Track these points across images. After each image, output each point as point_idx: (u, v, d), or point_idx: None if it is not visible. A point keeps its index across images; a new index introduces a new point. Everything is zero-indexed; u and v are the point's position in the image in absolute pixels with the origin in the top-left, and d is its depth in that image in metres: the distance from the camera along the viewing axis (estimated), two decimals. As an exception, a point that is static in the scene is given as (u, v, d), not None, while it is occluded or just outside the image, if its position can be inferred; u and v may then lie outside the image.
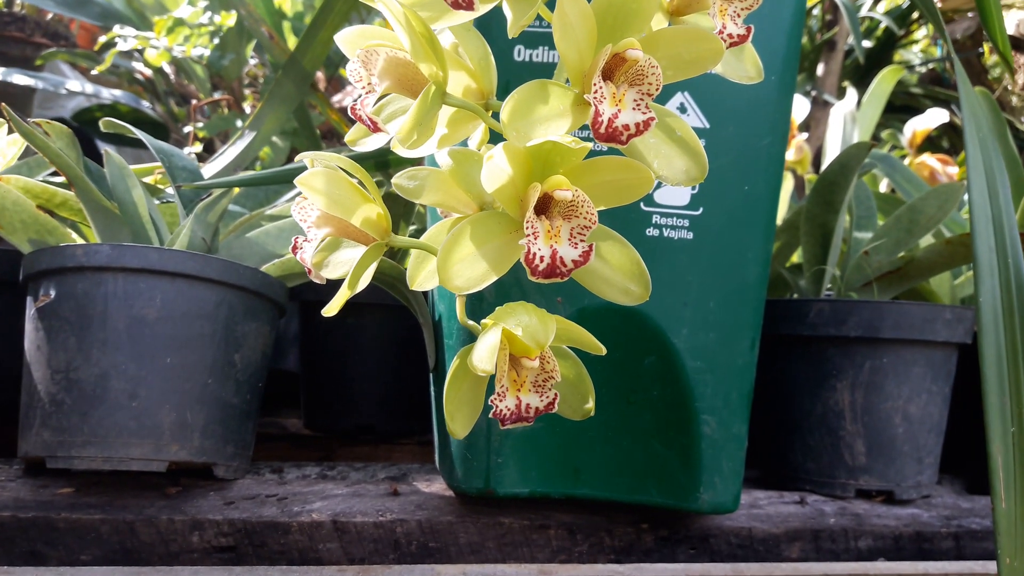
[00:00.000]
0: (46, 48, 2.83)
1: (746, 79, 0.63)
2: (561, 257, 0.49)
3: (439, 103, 0.56)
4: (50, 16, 2.86)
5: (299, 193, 1.17)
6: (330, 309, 0.52)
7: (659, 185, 0.82)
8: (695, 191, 0.82)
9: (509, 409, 0.48)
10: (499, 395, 0.48)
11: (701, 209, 0.82)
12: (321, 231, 0.54)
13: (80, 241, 0.96)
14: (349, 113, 0.57)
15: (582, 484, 0.84)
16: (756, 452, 1.05)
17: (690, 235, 0.82)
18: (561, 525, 0.88)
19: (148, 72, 2.29)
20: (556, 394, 0.49)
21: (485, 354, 0.46)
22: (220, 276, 0.87)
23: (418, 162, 1.16)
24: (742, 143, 0.82)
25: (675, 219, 0.82)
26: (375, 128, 0.56)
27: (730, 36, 0.58)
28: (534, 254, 0.48)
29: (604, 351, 0.49)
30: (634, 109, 0.51)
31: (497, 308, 0.50)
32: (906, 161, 1.95)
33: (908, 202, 1.07)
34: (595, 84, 0.50)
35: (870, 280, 1.04)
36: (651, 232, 0.82)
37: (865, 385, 0.97)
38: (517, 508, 0.89)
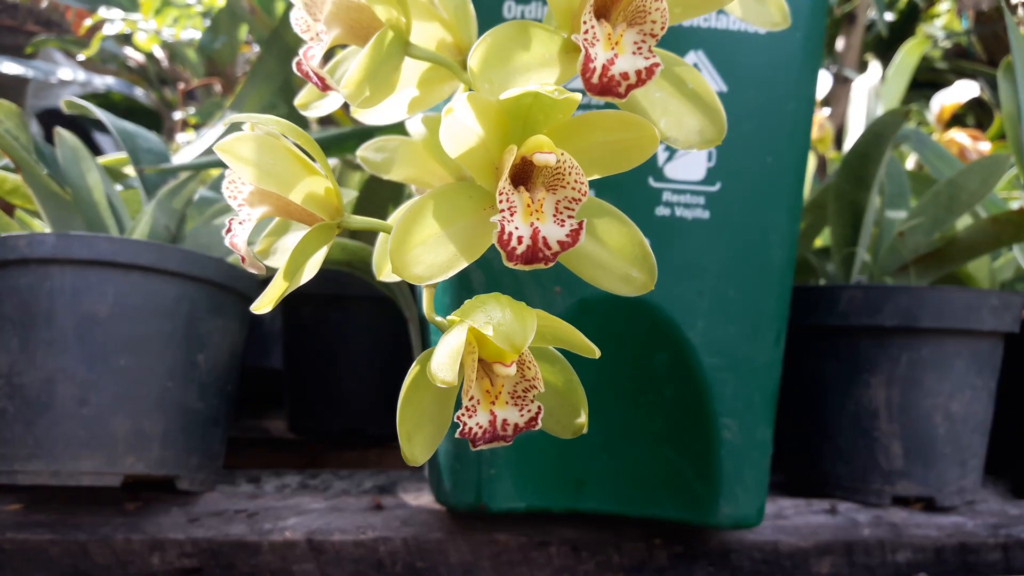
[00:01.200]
0: (45, 35, 2.75)
1: (770, 25, 0.53)
2: (544, 237, 0.39)
3: (399, 53, 0.46)
4: (44, 4, 2.78)
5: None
6: (260, 305, 0.43)
7: (670, 157, 0.73)
8: (712, 164, 0.73)
9: (481, 427, 0.38)
10: (468, 410, 0.39)
11: (718, 184, 0.72)
12: (256, 210, 0.45)
13: (40, 232, 0.87)
14: (295, 69, 0.47)
15: (586, 497, 0.74)
16: (781, 455, 0.95)
17: (706, 214, 0.72)
18: (563, 542, 0.79)
19: (141, 58, 2.21)
20: (540, 407, 0.39)
21: (446, 360, 0.36)
22: (180, 268, 0.78)
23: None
24: (764, 109, 0.72)
25: (689, 196, 0.72)
26: (323, 86, 0.47)
27: (751, -29, 0.48)
28: (510, 234, 0.38)
29: (597, 354, 0.40)
30: (634, 54, 0.41)
31: (465, 302, 0.41)
32: (933, 138, 1.84)
33: (945, 178, 0.96)
34: (586, 22, 0.41)
35: (906, 264, 0.94)
36: (661, 211, 0.72)
37: (902, 380, 0.87)
38: (514, 523, 0.79)
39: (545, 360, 0.42)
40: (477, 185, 0.42)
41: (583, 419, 0.42)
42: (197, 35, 1.98)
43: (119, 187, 0.98)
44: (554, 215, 0.39)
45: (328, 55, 0.52)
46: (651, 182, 0.72)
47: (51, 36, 2.56)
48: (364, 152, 0.59)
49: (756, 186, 0.73)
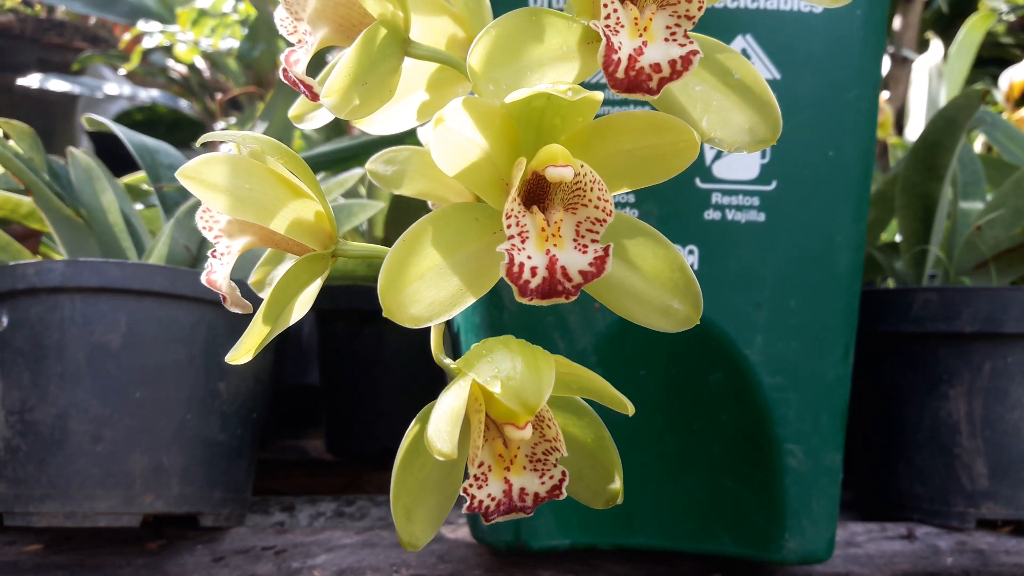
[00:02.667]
0: (91, 51, 2.77)
1: (828, 1, 0.45)
2: (563, 267, 0.33)
3: (397, 53, 0.40)
4: (92, 21, 2.80)
5: (324, 179, 1.03)
6: (237, 355, 0.38)
7: (719, 154, 0.66)
8: (765, 160, 0.65)
9: (494, 499, 0.32)
10: (477, 479, 0.32)
11: (774, 183, 0.65)
12: (237, 241, 0.39)
13: (59, 258, 0.83)
14: (280, 75, 0.41)
15: (636, 532, 0.68)
16: (850, 472, 0.87)
17: (761, 216, 0.65)
18: (614, 578, 0.72)
19: (184, 69, 2.20)
20: (564, 472, 0.33)
21: (444, 427, 0.30)
22: (196, 292, 0.73)
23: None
24: (823, 97, 0.65)
25: (741, 197, 0.65)
26: (312, 95, 0.41)
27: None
28: (521, 265, 0.32)
29: (631, 409, 0.33)
30: (667, 41, 0.35)
31: (472, 346, 0.34)
32: (1003, 117, 1.72)
33: (1027, 163, 0.87)
34: (607, 5, 0.34)
35: (985, 260, 0.85)
36: (711, 215, 0.65)
37: (985, 391, 0.79)
38: (559, 559, 0.73)
39: (569, 412, 0.36)
40: (485, 205, 0.35)
41: (617, 485, 0.35)
42: (236, 44, 1.95)
43: (139, 206, 0.94)
44: (574, 240, 0.33)
45: (322, 60, 0.46)
46: (698, 183, 0.65)
47: (96, 52, 2.56)
48: (372, 165, 0.53)
49: (817, 183, 0.65)
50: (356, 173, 0.88)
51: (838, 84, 0.65)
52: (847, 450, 0.82)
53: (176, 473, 0.73)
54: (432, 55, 0.44)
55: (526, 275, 0.32)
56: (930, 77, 1.90)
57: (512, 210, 0.32)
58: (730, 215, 0.65)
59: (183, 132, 2.22)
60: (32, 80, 2.32)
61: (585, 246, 0.33)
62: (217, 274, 0.40)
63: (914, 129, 1.82)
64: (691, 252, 0.65)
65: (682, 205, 0.65)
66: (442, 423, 0.30)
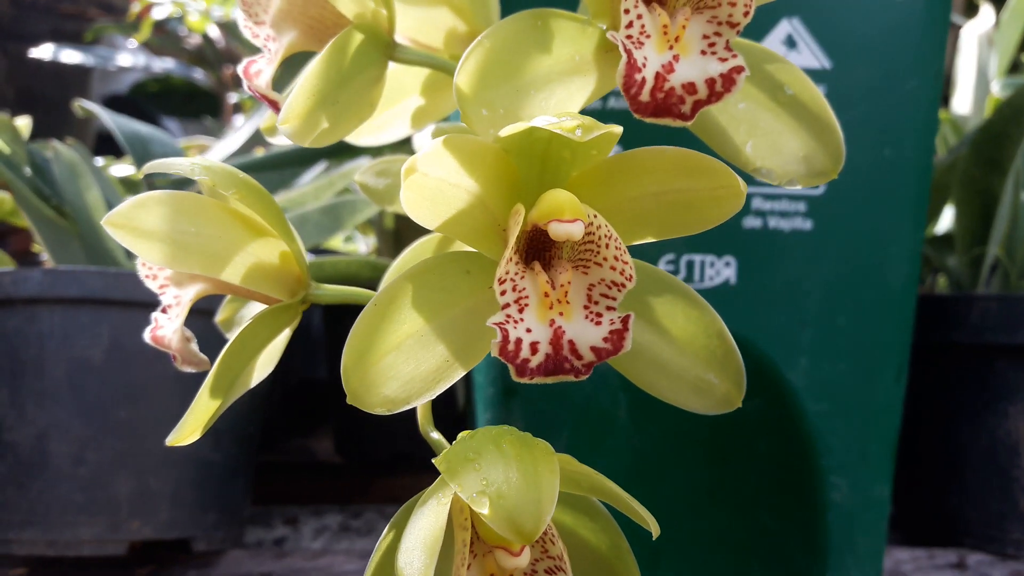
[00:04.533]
0: (104, 20, 2.71)
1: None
2: (571, 341, 0.26)
3: (376, 60, 0.34)
4: (107, -12, 2.74)
5: (327, 170, 0.96)
6: (179, 437, 0.32)
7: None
8: (810, 162, 0.58)
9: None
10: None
11: (823, 187, 0.58)
12: (186, 291, 0.33)
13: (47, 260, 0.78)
14: (246, 88, 0.35)
15: (664, 570, 0.61)
16: (895, 489, 0.80)
17: (808, 224, 0.58)
18: (637, 615, 0.66)
19: (198, 39, 2.14)
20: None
21: (418, 559, 0.24)
22: (184, 300, 0.67)
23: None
24: (879, 89, 0.58)
25: (786, 202, 0.58)
26: (276, 108, 0.34)
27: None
28: (518, 342, 0.26)
29: (655, 529, 0.27)
30: (705, 53, 0.28)
31: (454, 442, 0.28)
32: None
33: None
34: (628, 11, 0.27)
35: (1051, 260, 0.77)
36: (751, 223, 0.58)
37: (1050, 407, 0.71)
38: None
39: (579, 512, 0.30)
40: (478, 254, 0.29)
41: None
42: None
43: (132, 200, 0.88)
44: (586, 307, 0.26)
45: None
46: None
47: (108, 22, 2.50)
48: (363, 178, 0.46)
49: (870, 187, 0.58)
50: (362, 163, 0.82)
51: (896, 73, 0.58)
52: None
53: (165, 497, 0.67)
54: (422, 60, 0.37)
55: (524, 352, 0.26)
56: (979, 45, 1.78)
57: (507, 273, 0.26)
58: (772, 222, 0.58)
59: (198, 103, 2.16)
60: (44, 51, 2.26)
61: (599, 315, 0.26)
62: (165, 330, 0.34)
63: (961, 101, 1.72)
64: (728, 264, 0.58)
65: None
66: (415, 554, 0.24)
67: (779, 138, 0.31)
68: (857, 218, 0.58)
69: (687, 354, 0.29)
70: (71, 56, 2.34)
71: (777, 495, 0.60)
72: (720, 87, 0.27)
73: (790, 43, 0.58)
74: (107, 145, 2.75)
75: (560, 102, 0.30)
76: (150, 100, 2.32)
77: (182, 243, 0.30)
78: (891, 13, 0.57)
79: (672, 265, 0.58)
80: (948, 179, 0.86)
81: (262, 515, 0.87)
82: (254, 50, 0.39)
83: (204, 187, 0.32)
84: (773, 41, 0.58)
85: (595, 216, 0.26)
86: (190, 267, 0.31)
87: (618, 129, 0.25)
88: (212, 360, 0.41)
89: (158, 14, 1.85)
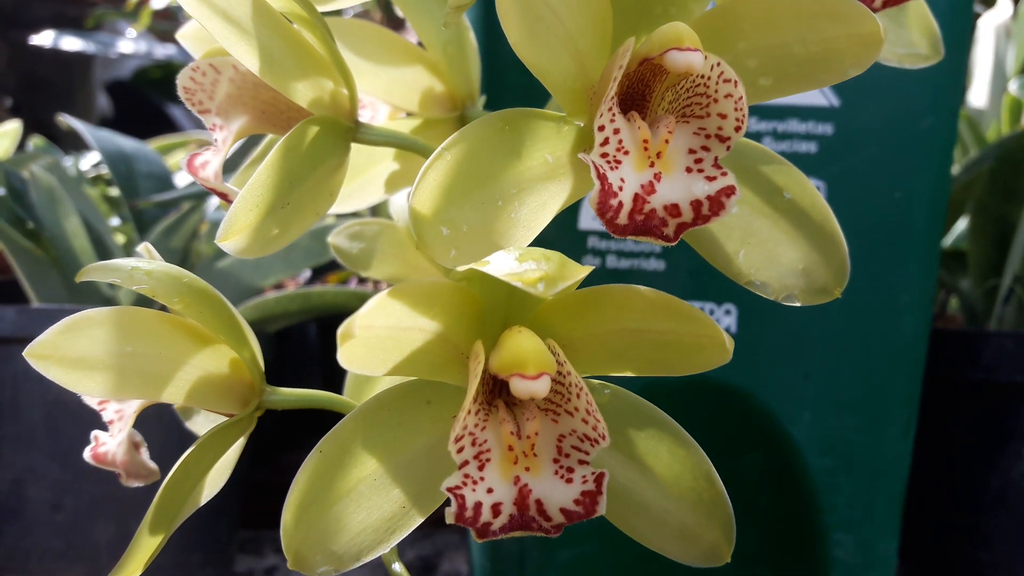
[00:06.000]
0: (105, 6, 2.67)
1: (912, 59, 0.35)
2: (538, 501, 0.23)
3: (336, 149, 0.31)
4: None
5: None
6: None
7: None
8: (817, 205, 0.55)
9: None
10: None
11: (827, 232, 0.54)
12: (128, 405, 0.31)
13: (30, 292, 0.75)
14: (185, 167, 0.32)
15: (659, 627, 0.59)
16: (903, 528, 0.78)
17: (811, 271, 0.54)
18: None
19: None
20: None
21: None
22: (164, 338, 0.65)
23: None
24: (891, 127, 0.54)
25: (787, 249, 0.54)
26: (228, 200, 0.32)
27: (886, -13, 0.30)
28: (477, 506, 0.23)
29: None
30: (690, 171, 0.25)
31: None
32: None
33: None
34: (603, 127, 0.24)
35: (1070, 290, 0.74)
36: (750, 270, 0.54)
37: (1066, 447, 0.68)
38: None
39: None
40: (440, 383, 0.26)
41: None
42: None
43: (116, 220, 0.85)
44: (555, 462, 0.24)
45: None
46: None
47: (109, 8, 2.47)
48: (336, 240, 0.44)
49: (880, 232, 0.55)
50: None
51: (910, 111, 0.54)
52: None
53: (146, 542, 0.65)
54: (388, 140, 0.34)
55: (485, 515, 0.23)
56: (997, 37, 1.73)
57: (465, 428, 0.23)
58: (774, 270, 0.55)
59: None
60: (45, 38, 2.23)
61: (570, 470, 0.24)
62: (107, 446, 0.31)
63: (978, 94, 1.67)
64: (728, 312, 0.55)
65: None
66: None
67: (776, 247, 0.28)
68: (865, 265, 0.55)
69: (671, 496, 0.26)
70: (72, 43, 2.30)
71: (779, 552, 0.58)
72: (707, 210, 0.24)
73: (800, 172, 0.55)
74: (110, 129, 2.70)
75: (532, 212, 0.27)
76: (152, 86, 2.29)
77: (117, 368, 0.27)
78: (905, 46, 0.54)
79: (669, 313, 0.55)
80: (964, 196, 0.83)
81: (252, 542, 0.85)
82: None
83: (153, 292, 0.29)
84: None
85: (562, 364, 0.23)
86: (127, 394, 0.28)
87: (586, 272, 0.22)
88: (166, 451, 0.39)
89: (157, 3, 1.82)
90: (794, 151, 0.55)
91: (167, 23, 2.21)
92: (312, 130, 0.29)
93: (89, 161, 1.21)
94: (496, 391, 0.25)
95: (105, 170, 0.82)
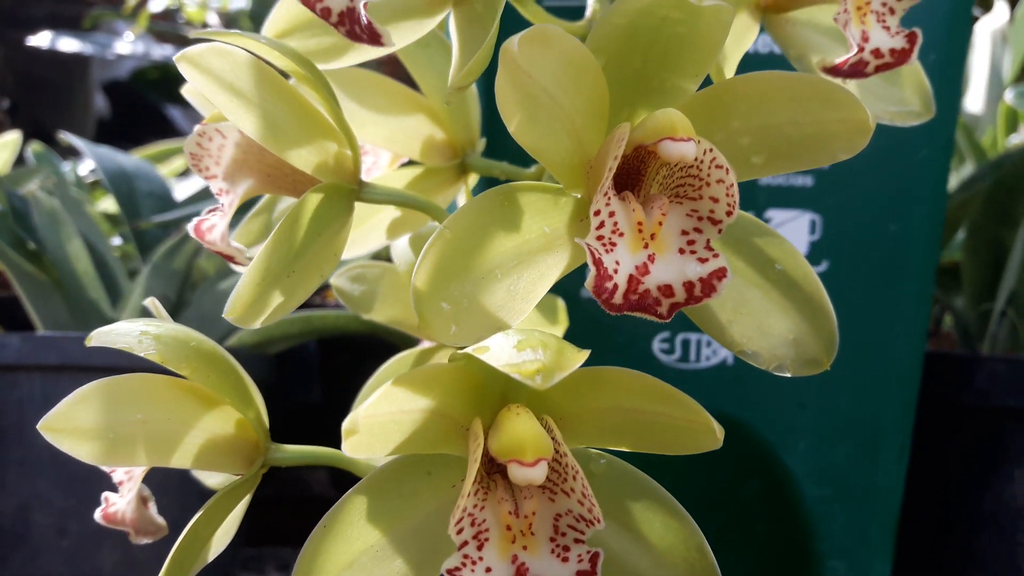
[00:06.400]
0: (102, 7, 2.67)
1: (904, 116, 0.35)
2: (534, 580, 0.24)
3: (341, 213, 0.31)
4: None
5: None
6: None
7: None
8: (816, 237, 0.56)
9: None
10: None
11: (825, 263, 0.56)
12: (133, 474, 0.31)
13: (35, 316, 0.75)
14: (191, 232, 0.33)
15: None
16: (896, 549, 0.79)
17: (806, 303, 0.55)
18: None
19: (198, 26, 2.10)
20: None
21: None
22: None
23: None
24: (886, 159, 0.55)
25: (783, 280, 0.55)
26: (234, 261, 0.32)
27: (876, 54, 0.31)
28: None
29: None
30: (683, 252, 0.25)
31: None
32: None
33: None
34: (599, 212, 0.25)
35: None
36: (746, 301, 0.55)
37: (1059, 469, 0.69)
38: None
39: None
40: (440, 455, 0.27)
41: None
42: (245, 4, 1.85)
43: (117, 240, 0.86)
44: (551, 540, 0.24)
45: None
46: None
47: (106, 9, 2.47)
48: (338, 281, 0.44)
49: (875, 263, 0.56)
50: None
51: (904, 144, 0.55)
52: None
53: (151, 566, 0.66)
54: (391, 198, 0.35)
55: (478, 596, 0.24)
56: (993, 42, 1.73)
57: (466, 509, 0.24)
58: (770, 301, 0.56)
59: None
60: (42, 39, 2.23)
61: (566, 549, 0.24)
62: (117, 506, 0.32)
63: (974, 100, 1.68)
64: (723, 343, 0.56)
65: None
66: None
67: (767, 318, 0.28)
68: (861, 296, 0.56)
69: (665, 565, 0.27)
70: (69, 44, 2.30)
71: (774, 578, 0.59)
72: (699, 292, 0.25)
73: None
74: (108, 130, 2.71)
75: (529, 284, 0.28)
76: (150, 87, 2.30)
77: (127, 436, 0.28)
78: (899, 79, 0.54)
79: (667, 344, 0.56)
80: (960, 215, 0.83)
81: (255, 560, 0.86)
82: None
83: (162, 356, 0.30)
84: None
85: (559, 447, 0.24)
86: (138, 462, 0.29)
87: (583, 356, 0.23)
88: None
89: (155, 6, 1.82)
90: (790, 184, 0.55)
91: (165, 24, 2.21)
92: (315, 199, 0.30)
93: (87, 167, 1.21)
94: (494, 466, 0.25)
95: (103, 174, 0.82)
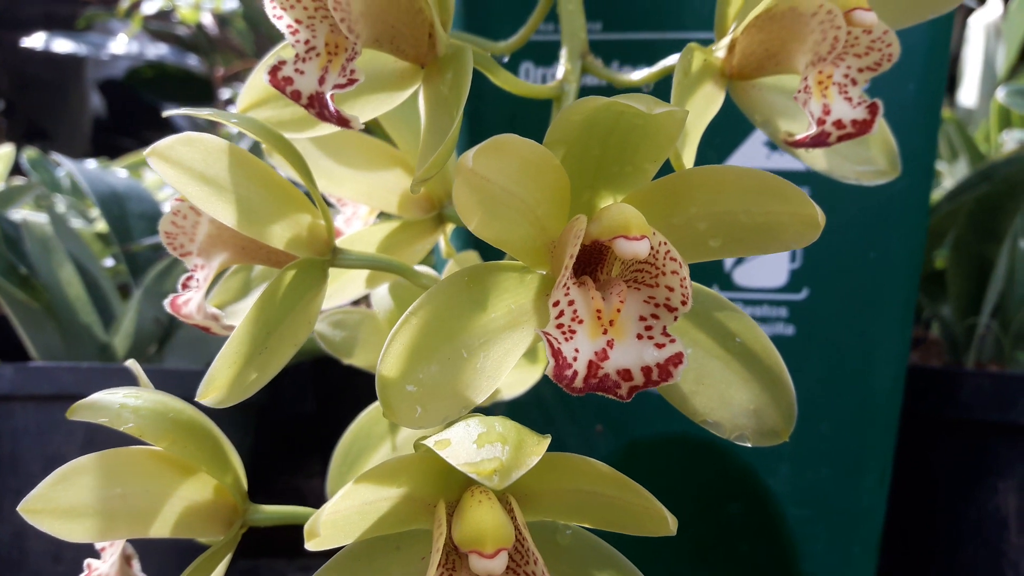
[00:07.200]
0: (96, 7, 2.67)
1: (871, 175, 0.36)
2: None
3: (315, 283, 0.32)
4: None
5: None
6: None
7: (740, 259, 0.56)
8: (796, 265, 0.56)
9: None
10: None
11: (805, 291, 0.56)
12: (116, 542, 0.32)
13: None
14: (168, 308, 0.33)
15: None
16: (880, 559, 0.80)
17: (790, 329, 0.56)
18: None
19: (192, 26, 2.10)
20: None
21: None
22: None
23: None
24: (864, 189, 0.54)
25: (767, 308, 0.56)
26: (208, 331, 0.33)
27: (839, 125, 0.32)
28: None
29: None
30: (641, 337, 0.26)
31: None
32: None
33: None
34: (558, 302, 0.26)
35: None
36: (728, 329, 0.56)
37: (1042, 481, 0.70)
38: None
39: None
40: (408, 532, 0.28)
41: None
42: (237, 4, 1.85)
43: (110, 261, 0.87)
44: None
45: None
46: (719, 292, 0.56)
47: (100, 9, 2.46)
48: (320, 327, 0.45)
49: (856, 291, 0.56)
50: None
51: (882, 172, 0.55)
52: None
53: (147, 589, 0.67)
54: (365, 263, 0.35)
55: None
56: (987, 35, 1.73)
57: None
58: (752, 329, 0.56)
59: (193, 89, 2.14)
60: (37, 40, 2.23)
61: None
62: (99, 572, 0.33)
63: (967, 94, 1.68)
64: (705, 370, 0.57)
65: (694, 315, 0.56)
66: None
67: (728, 388, 0.29)
68: (841, 323, 0.56)
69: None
70: (63, 46, 2.30)
71: (758, 598, 0.60)
72: (656, 376, 0.26)
73: (771, 146, 0.56)
74: (104, 130, 2.70)
75: (497, 361, 0.28)
76: (145, 86, 2.29)
77: (108, 512, 0.29)
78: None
79: (650, 371, 0.57)
80: (947, 225, 0.83)
81: (251, 572, 0.87)
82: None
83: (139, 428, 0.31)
84: (755, 143, 0.56)
85: (521, 529, 0.25)
86: (118, 536, 0.30)
87: (542, 451, 0.24)
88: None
89: (148, 9, 1.82)
90: (769, 214, 0.56)
91: (159, 23, 2.20)
92: (289, 275, 0.30)
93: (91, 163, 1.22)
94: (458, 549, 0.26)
95: (94, 196, 0.82)
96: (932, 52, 0.55)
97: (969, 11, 2.04)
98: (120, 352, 0.75)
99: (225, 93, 1.94)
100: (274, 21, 0.30)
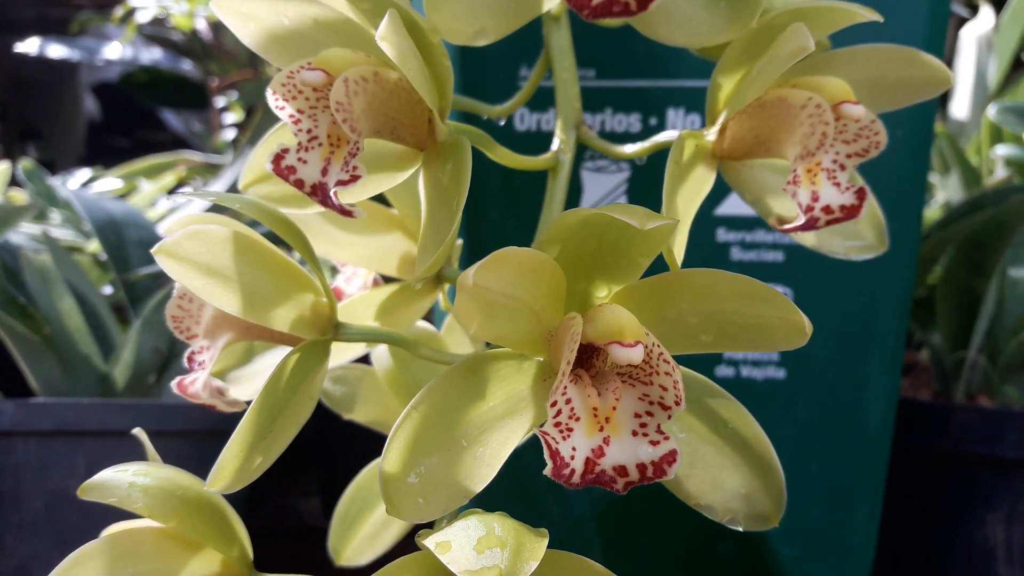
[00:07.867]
0: (89, 11, 2.66)
1: (859, 250, 0.37)
2: None
3: (315, 367, 0.33)
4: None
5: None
6: None
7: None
8: (784, 308, 0.57)
9: None
10: None
11: (794, 334, 0.57)
12: None
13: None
14: (175, 389, 0.34)
15: None
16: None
17: (781, 373, 0.57)
18: None
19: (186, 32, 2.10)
20: None
21: None
22: (160, 426, 0.68)
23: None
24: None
25: (759, 352, 0.57)
26: (215, 409, 0.34)
27: (827, 211, 0.32)
28: None
29: None
30: (636, 434, 0.27)
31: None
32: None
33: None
34: (555, 402, 0.26)
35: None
36: (723, 372, 0.57)
37: (1029, 511, 0.71)
38: None
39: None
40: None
41: None
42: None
43: (108, 289, 0.87)
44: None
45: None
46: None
47: (93, 13, 2.45)
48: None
49: (845, 334, 0.57)
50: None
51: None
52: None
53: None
54: (365, 336, 0.36)
55: None
56: (979, 47, 1.73)
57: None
58: (745, 372, 0.57)
59: (187, 94, 2.14)
60: (30, 45, 2.23)
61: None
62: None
63: (959, 106, 1.69)
64: (698, 411, 0.58)
65: (689, 359, 0.57)
66: None
67: (720, 473, 0.30)
68: (831, 366, 0.57)
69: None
70: (57, 51, 2.29)
71: (750, 634, 0.61)
72: (651, 473, 0.27)
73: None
74: (99, 132, 2.69)
75: (495, 449, 0.29)
76: (139, 90, 2.29)
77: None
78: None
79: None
80: (938, 253, 0.84)
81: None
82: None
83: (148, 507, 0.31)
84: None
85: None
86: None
87: (544, 544, 0.25)
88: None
89: (142, 17, 1.82)
90: (761, 260, 0.57)
91: (154, 27, 2.20)
92: (292, 360, 0.31)
93: (79, 180, 1.22)
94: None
95: (91, 224, 0.83)
96: (918, 106, 0.55)
97: (962, 22, 2.06)
98: (120, 383, 0.76)
99: (220, 101, 1.94)
100: (276, 111, 0.31)
